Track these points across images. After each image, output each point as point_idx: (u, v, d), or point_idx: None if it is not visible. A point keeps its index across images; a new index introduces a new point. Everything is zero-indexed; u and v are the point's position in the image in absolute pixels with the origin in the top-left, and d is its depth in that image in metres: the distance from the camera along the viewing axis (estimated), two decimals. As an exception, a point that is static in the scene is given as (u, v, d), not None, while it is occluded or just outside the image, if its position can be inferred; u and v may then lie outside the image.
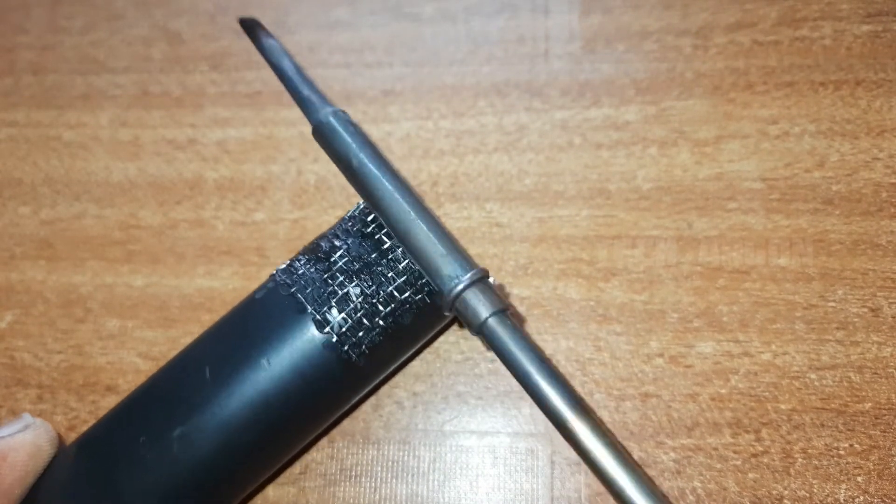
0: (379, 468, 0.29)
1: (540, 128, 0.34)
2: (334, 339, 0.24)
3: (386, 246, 0.25)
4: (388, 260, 0.25)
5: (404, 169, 0.34)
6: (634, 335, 0.30)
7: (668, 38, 0.35)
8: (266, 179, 0.34)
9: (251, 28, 0.31)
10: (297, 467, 0.29)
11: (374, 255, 0.25)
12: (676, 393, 0.29)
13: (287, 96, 0.36)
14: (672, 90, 0.34)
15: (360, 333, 0.25)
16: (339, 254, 0.25)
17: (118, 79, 0.38)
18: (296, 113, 0.35)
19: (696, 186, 0.32)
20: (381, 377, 0.28)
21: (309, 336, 0.24)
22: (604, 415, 0.29)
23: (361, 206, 0.27)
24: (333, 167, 0.34)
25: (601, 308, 0.31)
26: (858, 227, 0.31)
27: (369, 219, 0.26)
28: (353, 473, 0.29)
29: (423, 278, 0.25)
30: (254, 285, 0.32)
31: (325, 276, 0.25)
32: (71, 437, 0.31)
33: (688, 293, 0.30)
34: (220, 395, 0.24)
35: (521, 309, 0.31)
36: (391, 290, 0.25)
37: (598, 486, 0.28)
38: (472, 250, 0.32)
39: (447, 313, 0.24)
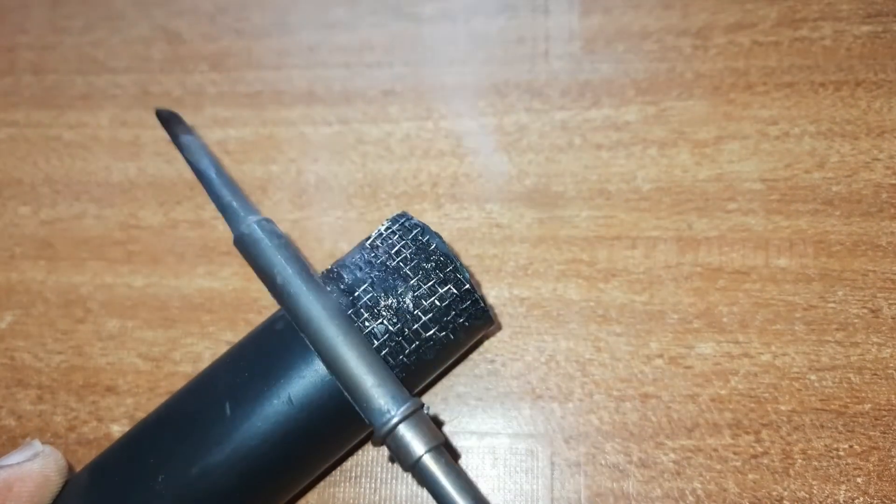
0: (379, 468, 0.29)
1: (540, 128, 0.34)
2: None
3: (412, 281, 0.25)
4: (414, 296, 0.25)
5: (404, 169, 0.34)
6: (634, 336, 0.30)
7: (668, 38, 0.35)
8: (266, 179, 0.34)
9: (167, 121, 0.28)
10: (296, 468, 0.29)
11: (399, 291, 0.25)
12: (676, 394, 0.29)
13: (288, 96, 0.36)
14: (672, 90, 0.34)
15: None
16: (363, 288, 0.25)
17: (118, 79, 0.38)
18: (296, 112, 0.35)
19: (696, 187, 0.32)
20: None
21: (329, 387, 0.24)
22: (603, 415, 0.29)
23: (383, 234, 0.26)
24: (334, 168, 0.34)
25: (601, 309, 0.31)
26: (858, 228, 0.31)
27: (394, 251, 0.25)
28: (353, 474, 0.29)
29: (449, 315, 0.25)
30: (254, 285, 0.32)
31: (350, 311, 0.24)
32: (71, 438, 0.31)
33: (688, 294, 0.30)
34: (240, 431, 0.23)
35: (521, 310, 0.31)
36: (417, 328, 0.24)
37: (597, 487, 0.28)
38: (472, 251, 0.32)
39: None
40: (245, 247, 0.25)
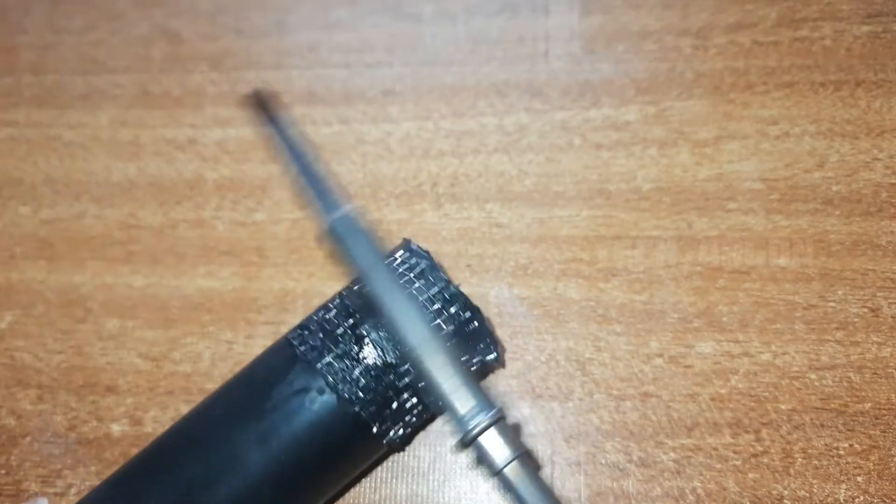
0: (379, 468, 0.29)
1: (540, 128, 0.34)
2: (375, 427, 0.25)
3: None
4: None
5: (404, 169, 0.34)
6: (634, 335, 0.30)
7: (668, 38, 0.35)
8: (266, 179, 0.34)
9: (263, 103, 0.28)
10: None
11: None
12: (676, 393, 0.29)
13: (288, 96, 0.36)
14: (672, 90, 0.34)
15: (387, 412, 0.26)
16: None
17: (118, 79, 0.38)
18: (296, 112, 0.35)
19: (696, 187, 0.32)
20: None
21: (343, 418, 0.25)
22: (603, 415, 0.29)
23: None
24: (334, 168, 0.34)
25: (601, 308, 0.31)
26: (858, 228, 0.31)
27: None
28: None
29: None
30: (254, 285, 0.32)
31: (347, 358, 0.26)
32: (71, 438, 0.31)
33: (688, 293, 0.30)
34: (273, 498, 0.25)
35: (521, 309, 0.31)
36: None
37: (597, 486, 0.28)
38: (472, 251, 0.32)
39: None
40: (336, 237, 0.25)
